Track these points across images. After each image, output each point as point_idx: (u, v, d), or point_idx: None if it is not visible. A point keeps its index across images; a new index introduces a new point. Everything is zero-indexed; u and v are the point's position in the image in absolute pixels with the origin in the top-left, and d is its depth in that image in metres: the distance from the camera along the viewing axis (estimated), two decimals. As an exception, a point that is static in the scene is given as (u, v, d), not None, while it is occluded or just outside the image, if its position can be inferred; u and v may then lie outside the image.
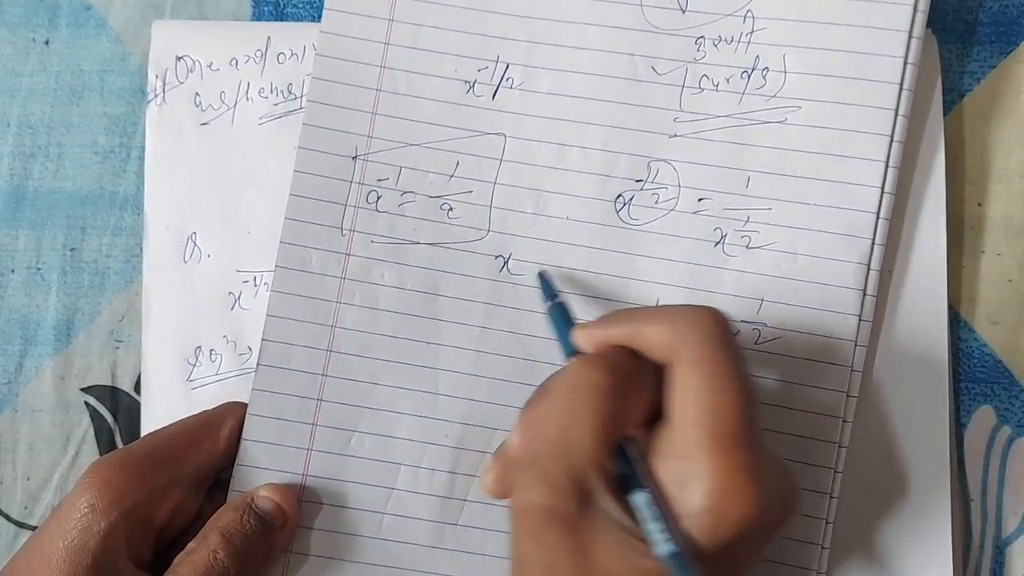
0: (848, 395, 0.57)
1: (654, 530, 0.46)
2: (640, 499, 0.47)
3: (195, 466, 0.57)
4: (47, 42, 0.65)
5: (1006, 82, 0.61)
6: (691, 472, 0.46)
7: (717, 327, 0.48)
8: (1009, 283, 0.60)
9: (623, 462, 0.48)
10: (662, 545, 0.45)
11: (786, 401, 0.58)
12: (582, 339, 0.52)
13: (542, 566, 0.48)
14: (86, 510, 0.53)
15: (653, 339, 0.49)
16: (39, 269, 0.64)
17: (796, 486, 0.50)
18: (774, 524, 0.49)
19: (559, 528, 0.47)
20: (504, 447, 0.53)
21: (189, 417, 0.59)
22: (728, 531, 0.46)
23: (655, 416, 0.50)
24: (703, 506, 0.46)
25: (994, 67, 0.62)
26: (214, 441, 0.58)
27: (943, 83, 0.60)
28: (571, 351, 0.53)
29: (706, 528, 0.46)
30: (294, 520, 0.58)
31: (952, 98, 0.61)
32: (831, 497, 0.58)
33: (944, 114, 0.60)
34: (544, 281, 0.58)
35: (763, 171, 0.59)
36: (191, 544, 0.55)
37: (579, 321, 0.54)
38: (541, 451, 0.49)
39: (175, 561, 0.55)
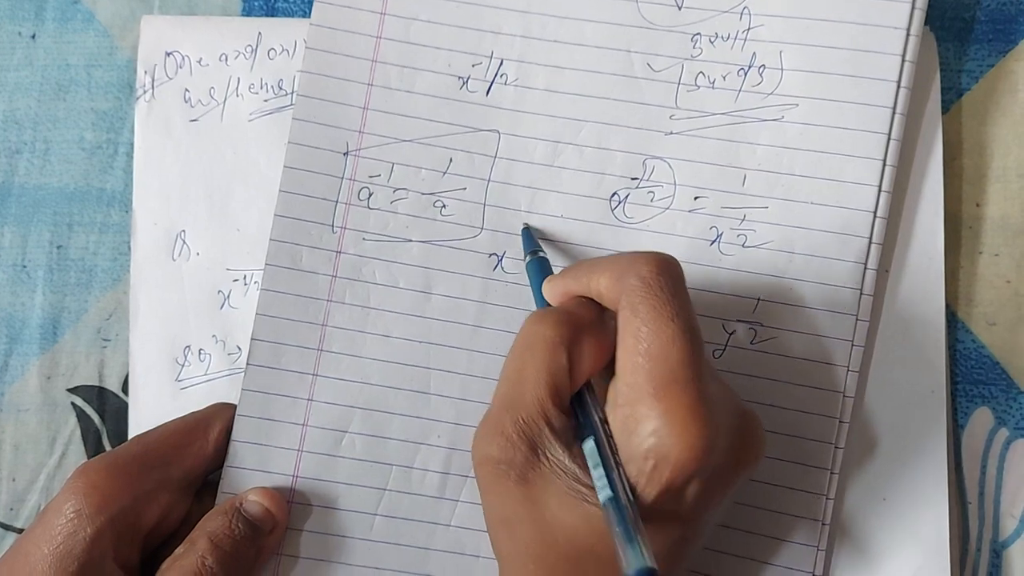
0: (845, 395, 0.57)
1: (595, 476, 0.46)
2: (587, 446, 0.47)
3: (183, 469, 0.57)
4: (33, 36, 0.64)
5: (1004, 81, 0.61)
6: (634, 417, 0.46)
7: (656, 271, 0.48)
8: (1007, 284, 0.60)
9: (581, 415, 0.49)
10: (602, 491, 0.45)
11: (782, 401, 0.57)
12: (549, 292, 0.53)
13: (500, 518, 0.50)
14: (72, 515, 0.53)
15: (601, 288, 0.50)
16: (25, 267, 0.63)
17: (759, 433, 0.51)
18: (728, 472, 0.49)
19: (511, 479, 0.48)
20: None
21: (176, 420, 0.58)
22: (671, 474, 0.46)
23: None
24: (644, 449, 0.46)
25: (992, 66, 0.61)
26: (202, 444, 0.57)
27: (941, 81, 0.60)
28: (543, 305, 0.54)
29: (646, 472, 0.46)
30: (283, 524, 0.58)
31: (950, 97, 0.61)
32: (827, 498, 0.57)
33: (942, 113, 0.60)
34: (527, 235, 0.59)
35: (760, 169, 0.58)
36: (179, 549, 0.55)
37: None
38: (495, 404, 0.50)
39: (163, 566, 0.54)
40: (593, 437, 0.47)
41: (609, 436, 0.47)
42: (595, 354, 0.49)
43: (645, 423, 0.46)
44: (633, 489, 0.46)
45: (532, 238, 0.58)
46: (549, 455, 0.48)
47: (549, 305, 0.53)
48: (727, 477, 0.49)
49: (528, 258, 0.57)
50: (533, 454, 0.48)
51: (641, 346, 0.46)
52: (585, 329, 0.50)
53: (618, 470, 0.46)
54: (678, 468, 0.45)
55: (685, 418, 0.45)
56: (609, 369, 0.49)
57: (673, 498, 0.46)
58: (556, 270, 0.56)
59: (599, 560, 0.46)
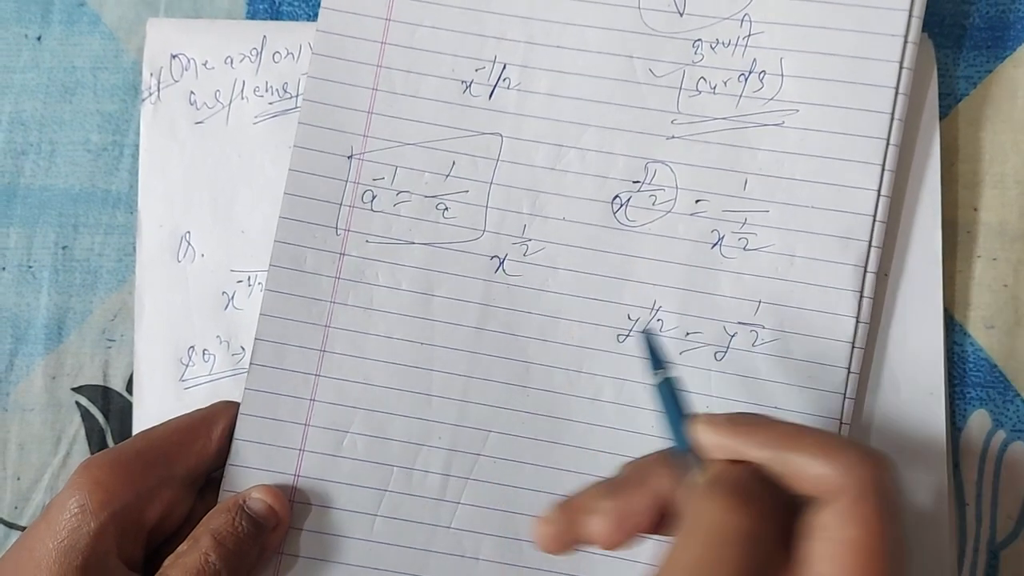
0: (845, 397, 0.57)
1: None
2: None
3: (186, 466, 0.57)
4: (39, 38, 0.65)
5: (1002, 87, 0.62)
6: None
7: (888, 481, 0.43)
8: (1004, 288, 0.60)
9: None
10: None
11: (783, 403, 0.58)
12: (708, 441, 0.46)
13: None
14: (76, 510, 0.53)
15: (808, 471, 0.44)
16: (30, 267, 0.64)
17: None
18: None
19: None
20: (575, 511, 0.48)
21: (180, 417, 0.59)
22: None
23: None
24: None
25: (990, 72, 0.62)
26: (205, 441, 0.58)
27: (939, 87, 0.60)
28: (685, 445, 0.47)
29: None
30: (286, 522, 0.58)
31: (948, 102, 0.61)
32: (826, 501, 0.57)
33: (940, 118, 0.60)
34: (652, 346, 0.51)
35: (760, 173, 0.59)
36: (182, 546, 0.55)
37: (697, 413, 0.48)
38: None
39: (166, 563, 0.55)
40: None
41: None
42: (780, 548, 0.44)
43: None
44: None
45: (658, 351, 0.51)
46: None
47: (684, 440, 0.47)
48: None
49: (658, 376, 0.50)
50: None
51: (850, 562, 0.41)
52: (776, 519, 0.43)
53: None
54: None
55: None
56: None
57: None
58: (549, 278, 0.57)
59: None
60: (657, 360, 0.50)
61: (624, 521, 0.47)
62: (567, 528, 0.48)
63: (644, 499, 0.47)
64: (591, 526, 0.47)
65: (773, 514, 0.43)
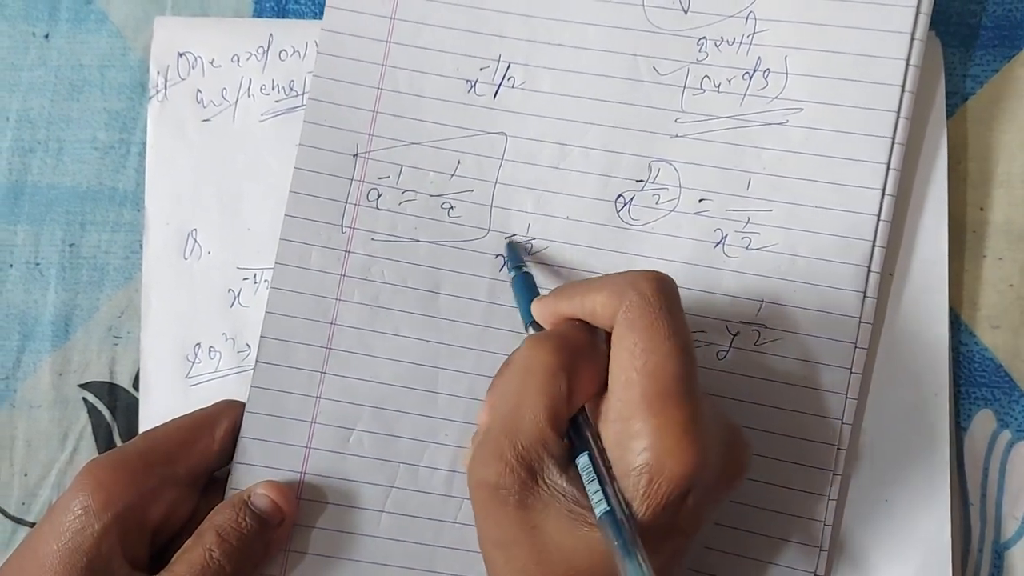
0: (848, 397, 0.57)
1: (591, 492, 0.46)
2: (581, 462, 0.48)
3: (189, 466, 0.57)
4: (47, 36, 0.65)
5: (1009, 86, 0.61)
6: (627, 433, 0.47)
7: (654, 288, 0.48)
8: (1010, 288, 0.60)
9: (575, 434, 0.49)
10: (597, 506, 0.46)
11: (785, 403, 0.58)
12: (538, 312, 0.54)
13: (495, 541, 0.50)
14: (80, 512, 0.53)
15: (596, 307, 0.50)
16: (38, 264, 0.64)
17: (746, 447, 0.51)
18: (719, 486, 0.49)
19: (509, 504, 0.48)
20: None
21: (183, 416, 0.59)
22: (666, 488, 0.46)
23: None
24: (638, 464, 0.46)
25: (997, 71, 0.61)
26: (208, 441, 0.58)
27: (946, 86, 0.60)
28: (530, 321, 0.55)
29: (643, 486, 0.46)
30: (291, 518, 0.58)
31: (955, 101, 0.61)
32: (829, 500, 0.57)
33: (947, 117, 0.60)
34: (511, 249, 0.59)
35: (764, 172, 0.58)
36: (187, 543, 0.55)
37: (542, 293, 0.55)
38: (494, 428, 0.50)
39: (171, 560, 0.55)
40: (587, 453, 0.48)
41: (603, 452, 0.48)
42: (591, 378, 0.50)
43: (639, 439, 0.46)
44: (628, 505, 0.46)
45: (517, 253, 0.59)
46: (547, 480, 0.48)
47: (535, 323, 0.54)
48: (717, 490, 0.50)
49: (513, 274, 0.58)
50: (531, 479, 0.48)
51: (636, 362, 0.47)
52: (582, 353, 0.50)
53: (613, 485, 0.47)
54: (673, 483, 0.46)
55: (679, 434, 0.46)
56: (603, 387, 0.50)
57: (669, 512, 0.47)
58: (553, 277, 0.57)
59: None
60: (516, 261, 0.58)
61: (493, 399, 0.53)
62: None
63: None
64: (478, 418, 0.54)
65: (580, 350, 0.50)
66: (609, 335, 0.50)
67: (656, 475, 0.46)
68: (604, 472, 0.47)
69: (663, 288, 0.49)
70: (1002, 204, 0.61)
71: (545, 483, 0.48)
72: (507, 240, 0.60)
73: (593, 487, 0.46)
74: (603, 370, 0.50)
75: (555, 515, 0.47)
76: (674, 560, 0.49)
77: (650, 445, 0.46)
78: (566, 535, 0.47)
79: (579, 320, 0.52)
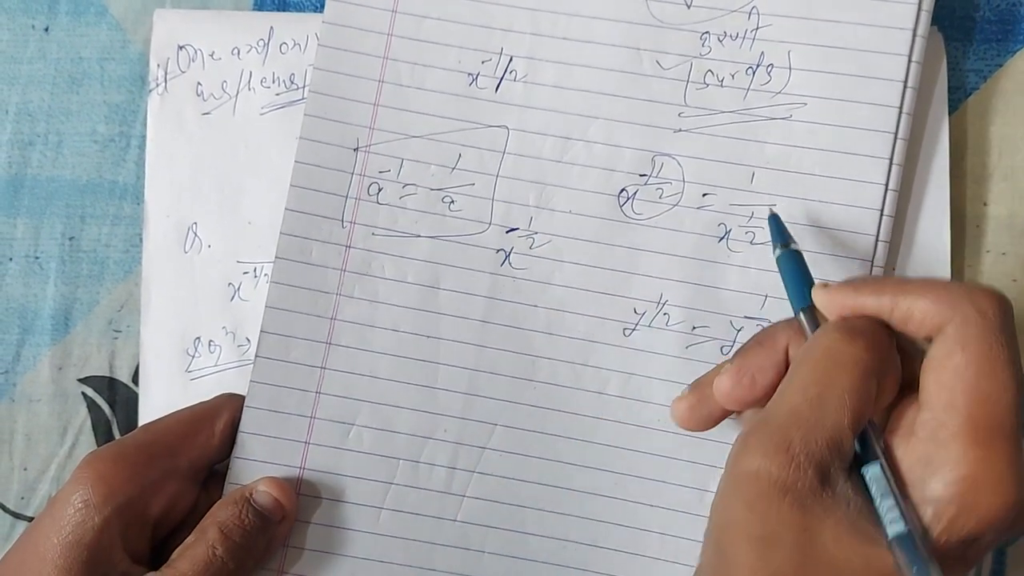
0: (850, 393, 0.57)
1: (886, 507, 0.43)
2: (871, 472, 0.45)
3: (189, 459, 0.57)
4: (47, 29, 0.65)
5: (1012, 80, 0.61)
6: (940, 457, 0.44)
7: (997, 310, 0.45)
8: (1014, 283, 0.60)
9: (861, 441, 0.46)
10: (892, 524, 0.43)
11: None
12: (827, 301, 0.50)
13: (756, 537, 0.45)
14: (80, 505, 0.53)
15: (916, 311, 0.46)
16: (37, 258, 0.64)
17: None
18: (1015, 528, 0.45)
19: (788, 503, 0.44)
20: (707, 382, 0.52)
21: (183, 409, 0.59)
22: (970, 525, 0.43)
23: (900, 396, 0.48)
24: (948, 494, 0.43)
25: (1000, 65, 0.61)
26: (208, 434, 0.58)
27: (949, 80, 0.60)
28: (803, 306, 0.51)
29: (946, 518, 0.43)
30: (292, 515, 0.58)
31: (958, 96, 0.61)
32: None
33: (950, 112, 0.60)
34: (776, 223, 0.55)
35: (768, 167, 0.58)
36: (189, 538, 0.55)
37: (818, 280, 0.51)
38: (780, 417, 0.46)
39: (173, 555, 0.55)
40: (879, 464, 0.45)
41: (894, 468, 0.45)
42: (894, 387, 0.47)
43: (955, 467, 0.43)
44: (925, 531, 0.43)
45: (782, 227, 0.55)
46: (836, 486, 0.44)
47: (809, 310, 0.50)
48: (1014, 530, 0.45)
49: (779, 251, 0.54)
50: (819, 481, 0.44)
51: (966, 385, 0.44)
52: (890, 358, 0.47)
53: (907, 504, 0.44)
54: (984, 521, 0.43)
55: (1004, 472, 0.43)
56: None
57: (962, 548, 0.44)
58: (555, 270, 0.57)
59: None
60: (783, 238, 0.55)
61: (747, 374, 0.50)
62: (698, 399, 0.52)
63: (767, 355, 0.50)
64: (718, 385, 0.51)
65: (888, 353, 0.47)
66: (905, 340, 0.48)
67: (966, 509, 0.43)
68: (904, 489, 0.44)
69: (1005, 309, 0.45)
70: (1005, 199, 0.61)
71: (832, 489, 0.44)
72: (771, 214, 0.56)
73: (888, 503, 0.43)
74: (899, 382, 0.47)
75: (835, 524, 0.43)
76: None
77: (967, 476, 0.43)
78: (843, 547, 0.43)
79: (877, 319, 0.48)
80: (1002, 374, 0.43)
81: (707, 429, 0.52)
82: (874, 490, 0.44)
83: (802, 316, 0.51)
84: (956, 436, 0.43)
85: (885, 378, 0.46)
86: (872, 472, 0.45)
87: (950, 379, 0.44)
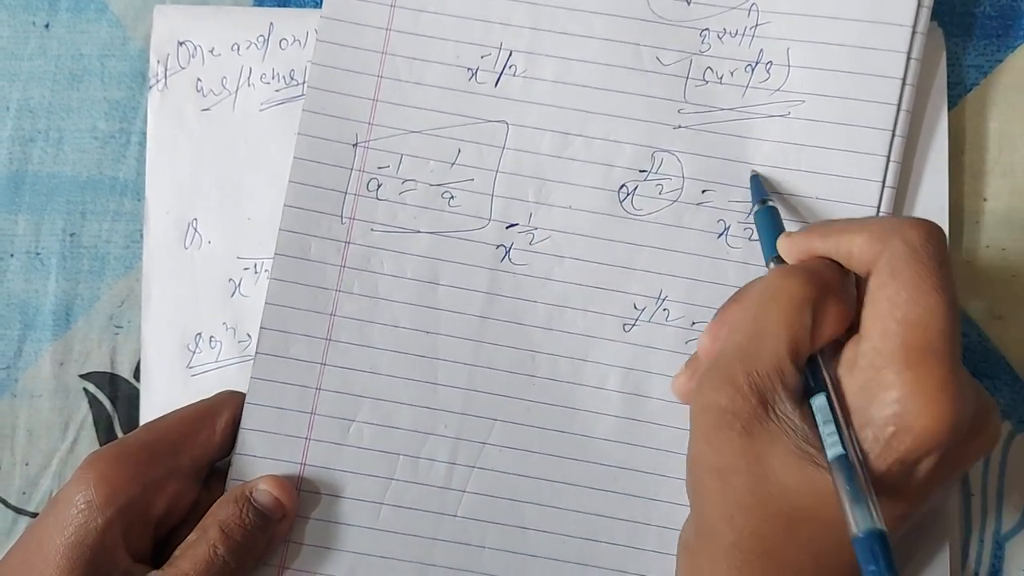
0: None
1: (825, 433, 0.45)
2: (817, 402, 0.47)
3: (191, 458, 0.57)
4: (47, 26, 0.65)
5: (1012, 77, 0.61)
6: (878, 383, 0.45)
7: (924, 237, 0.47)
8: (1013, 278, 0.60)
9: (811, 374, 0.48)
10: (831, 448, 0.45)
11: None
12: (785, 247, 0.53)
13: (714, 467, 0.48)
14: (83, 506, 0.53)
15: (854, 248, 0.48)
16: (38, 254, 0.64)
17: (996, 420, 0.49)
18: (960, 457, 0.48)
19: (735, 431, 0.47)
20: (695, 354, 0.54)
21: (184, 408, 0.59)
22: (908, 445, 0.45)
23: (852, 331, 0.49)
24: (885, 416, 0.45)
25: (1000, 62, 0.61)
26: (210, 432, 0.58)
27: (949, 76, 0.60)
28: (772, 256, 0.54)
29: (883, 439, 0.45)
30: (293, 512, 0.58)
31: (958, 92, 0.61)
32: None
33: (950, 108, 0.60)
34: (756, 182, 0.58)
35: (766, 164, 0.59)
36: (190, 537, 0.55)
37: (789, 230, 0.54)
38: (727, 353, 0.49)
39: (175, 554, 0.55)
40: (825, 393, 0.47)
41: (840, 397, 0.47)
42: (837, 318, 0.48)
43: (890, 389, 0.45)
44: (865, 454, 0.45)
45: (761, 186, 0.58)
46: (779, 411, 0.47)
47: (778, 258, 0.53)
48: (959, 460, 0.48)
49: (757, 207, 0.57)
50: (762, 408, 0.47)
51: (897, 312, 0.46)
52: (831, 291, 0.49)
53: (849, 431, 0.46)
54: (919, 440, 0.45)
55: (936, 390, 0.44)
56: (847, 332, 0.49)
57: (904, 471, 0.46)
58: (554, 266, 0.57)
59: (813, 522, 0.46)
60: (760, 194, 0.57)
61: (720, 328, 0.52)
62: (693, 370, 0.54)
63: (739, 308, 0.52)
64: (699, 343, 0.53)
65: (830, 287, 0.49)
66: (860, 279, 0.49)
67: (902, 429, 0.45)
68: (841, 416, 0.46)
69: (934, 237, 0.47)
70: (1004, 194, 0.61)
71: (776, 415, 0.47)
72: (752, 172, 0.59)
73: (828, 428, 0.45)
74: (849, 313, 0.49)
75: (782, 449, 0.46)
76: (897, 525, 0.47)
77: (901, 398, 0.45)
78: (791, 471, 0.46)
79: (830, 259, 0.50)
80: (930, 299, 0.45)
81: None
82: (819, 418, 0.46)
83: (771, 265, 0.53)
84: (890, 361, 0.45)
85: (825, 309, 0.48)
86: (817, 402, 0.47)
87: (883, 308, 0.46)
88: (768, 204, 0.56)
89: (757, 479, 0.47)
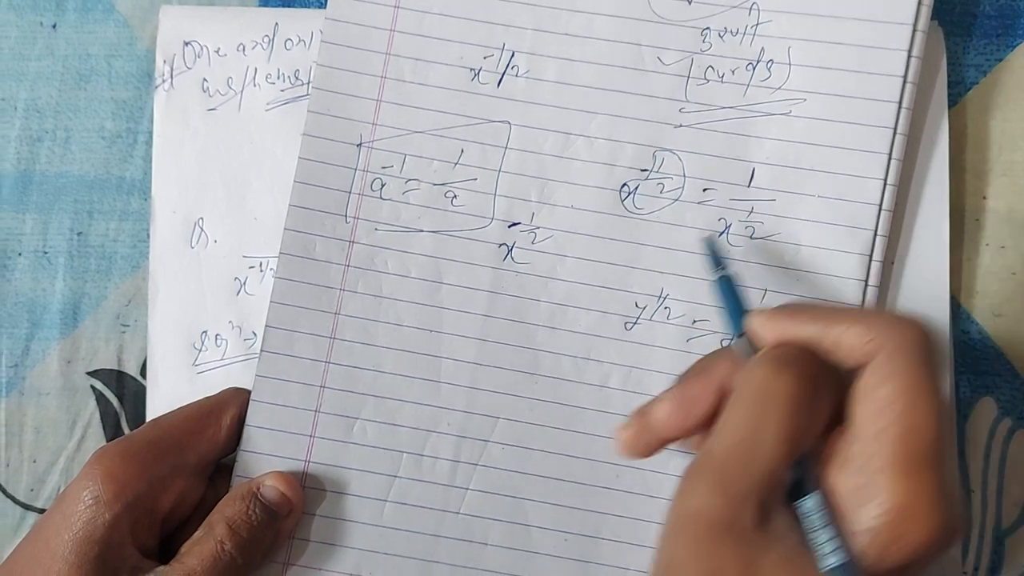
0: (850, 386, 0.58)
1: (823, 539, 0.44)
2: (810, 505, 0.45)
3: (197, 454, 0.57)
4: (54, 26, 0.65)
5: (1012, 75, 0.61)
6: (871, 488, 0.44)
7: (922, 339, 0.45)
8: (1012, 276, 0.60)
9: (796, 471, 0.46)
10: (830, 556, 0.43)
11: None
12: (762, 328, 0.49)
13: (702, 571, 0.45)
14: (90, 502, 0.53)
15: (845, 340, 0.46)
16: (46, 253, 0.64)
17: (963, 511, 0.49)
18: (943, 551, 0.45)
19: (731, 541, 0.44)
20: (648, 411, 0.50)
21: (190, 404, 0.59)
22: (901, 554, 0.43)
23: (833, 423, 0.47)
24: (879, 524, 0.43)
25: (1000, 60, 0.61)
26: (216, 429, 0.58)
27: (949, 75, 0.60)
28: (740, 332, 0.50)
29: (878, 547, 0.43)
30: (299, 508, 0.58)
31: (958, 91, 0.61)
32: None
33: (950, 107, 0.60)
34: (712, 249, 0.55)
35: (767, 162, 0.59)
36: (198, 532, 0.56)
37: (755, 307, 0.51)
38: (720, 458, 0.46)
39: (182, 550, 0.55)
40: (819, 495, 0.45)
41: (829, 498, 0.45)
42: (824, 416, 0.46)
43: (885, 496, 0.43)
44: (858, 561, 0.43)
45: (718, 252, 0.55)
46: (775, 520, 0.44)
47: (744, 336, 0.50)
48: (940, 553, 0.45)
49: (718, 276, 0.54)
50: (759, 518, 0.44)
51: (893, 415, 0.44)
52: (822, 387, 0.46)
53: (844, 535, 0.44)
54: (914, 550, 0.43)
55: (932, 503, 0.43)
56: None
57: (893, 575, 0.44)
58: (558, 265, 0.57)
59: None
60: (717, 260, 0.54)
61: (684, 403, 0.49)
62: (641, 427, 0.50)
63: (704, 384, 0.49)
64: (656, 413, 0.50)
65: (819, 382, 0.46)
66: (842, 372, 0.46)
67: (896, 538, 0.43)
68: (840, 520, 0.44)
69: (929, 340, 0.45)
70: (1004, 193, 0.61)
71: (771, 522, 0.44)
72: (706, 238, 0.56)
73: (823, 536, 0.44)
74: (832, 409, 0.46)
75: (776, 558, 0.43)
76: None
77: (896, 507, 0.43)
78: None
79: (809, 347, 0.47)
80: (926, 405, 0.44)
81: (649, 456, 0.51)
82: (809, 523, 0.45)
83: (738, 343, 0.50)
84: (885, 467, 0.43)
85: (817, 407, 0.46)
86: (807, 505, 0.45)
87: (878, 410, 0.44)
88: (728, 273, 0.54)
89: None
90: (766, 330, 0.49)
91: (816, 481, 0.45)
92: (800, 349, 0.47)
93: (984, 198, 0.61)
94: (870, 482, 0.44)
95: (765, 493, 0.44)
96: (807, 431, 0.45)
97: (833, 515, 0.44)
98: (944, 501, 0.43)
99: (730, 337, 0.52)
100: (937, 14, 0.59)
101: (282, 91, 0.63)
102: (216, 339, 0.62)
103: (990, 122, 0.61)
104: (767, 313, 0.49)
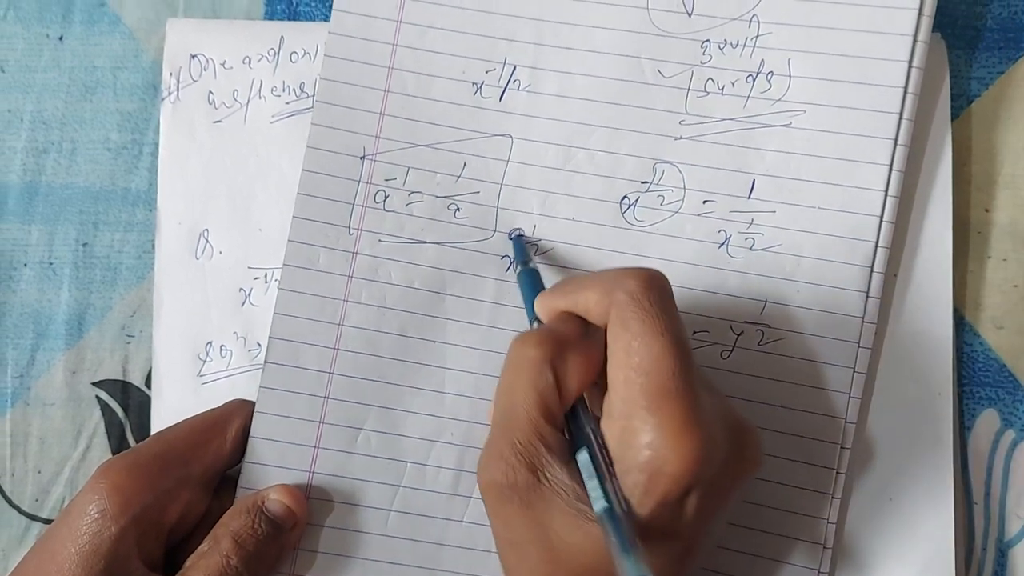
0: (851, 396, 0.58)
1: (590, 488, 0.46)
2: (581, 458, 0.47)
3: (203, 467, 0.57)
4: (61, 38, 0.66)
5: (1015, 88, 0.61)
6: (630, 430, 0.46)
7: (643, 286, 0.48)
8: (1015, 288, 0.61)
9: (574, 426, 0.50)
10: (596, 502, 0.46)
11: (789, 402, 0.58)
12: (539, 308, 0.53)
13: (509, 542, 0.50)
14: (96, 515, 0.53)
15: (590, 304, 0.50)
16: (51, 264, 0.65)
17: (755, 444, 0.51)
18: (724, 484, 0.49)
19: (515, 504, 0.48)
20: None
21: (195, 417, 0.59)
22: (665, 486, 0.46)
23: None
24: (639, 462, 0.46)
25: (1003, 73, 0.62)
26: (221, 441, 0.58)
27: (951, 88, 0.61)
28: (533, 318, 0.54)
29: (642, 485, 0.46)
30: (304, 521, 0.58)
31: (960, 103, 0.61)
32: (833, 498, 0.58)
33: (952, 119, 0.60)
34: (519, 245, 0.60)
35: (768, 174, 0.59)
36: (203, 546, 0.56)
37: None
38: (494, 431, 0.50)
39: (187, 563, 0.55)
40: (587, 448, 0.47)
41: (604, 448, 0.48)
42: (583, 370, 0.49)
43: (640, 436, 0.46)
44: (628, 502, 0.46)
45: (523, 248, 0.59)
46: (548, 475, 0.48)
47: (537, 318, 0.53)
48: (724, 489, 0.49)
49: (519, 268, 0.58)
50: (533, 476, 0.48)
51: (632, 360, 0.47)
52: (570, 345, 0.49)
53: (612, 480, 0.46)
54: (673, 480, 0.45)
55: (679, 430, 0.45)
56: (604, 383, 0.49)
57: (670, 511, 0.47)
58: (558, 274, 0.59)
59: None
60: (522, 256, 0.59)
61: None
62: None
63: None
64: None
65: (567, 346, 0.49)
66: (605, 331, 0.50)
67: (655, 472, 0.45)
68: (604, 468, 0.47)
69: (651, 285, 0.48)
70: (1007, 206, 0.61)
71: (547, 479, 0.48)
72: (513, 235, 0.60)
73: (592, 483, 0.46)
74: (597, 362, 0.49)
75: (560, 512, 0.47)
76: (675, 567, 0.48)
77: (650, 442, 0.45)
78: (572, 532, 0.47)
79: (571, 314, 0.51)
80: (658, 343, 0.47)
81: None
82: (583, 474, 0.47)
83: (534, 325, 0.54)
84: (635, 408, 0.46)
85: (566, 364, 0.49)
86: (581, 458, 0.47)
87: (620, 358, 0.47)
88: (530, 266, 0.58)
89: (545, 547, 0.48)
90: (543, 309, 0.53)
91: (589, 435, 0.48)
92: (559, 316, 0.52)
93: (987, 210, 0.61)
94: (628, 425, 0.47)
95: (531, 453, 0.48)
96: (554, 388, 0.49)
97: (607, 464, 0.47)
98: (695, 428, 0.46)
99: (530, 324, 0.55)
100: (940, 27, 0.59)
101: (287, 104, 0.63)
102: (221, 350, 0.63)
103: (993, 134, 0.61)
104: (544, 294, 0.54)
